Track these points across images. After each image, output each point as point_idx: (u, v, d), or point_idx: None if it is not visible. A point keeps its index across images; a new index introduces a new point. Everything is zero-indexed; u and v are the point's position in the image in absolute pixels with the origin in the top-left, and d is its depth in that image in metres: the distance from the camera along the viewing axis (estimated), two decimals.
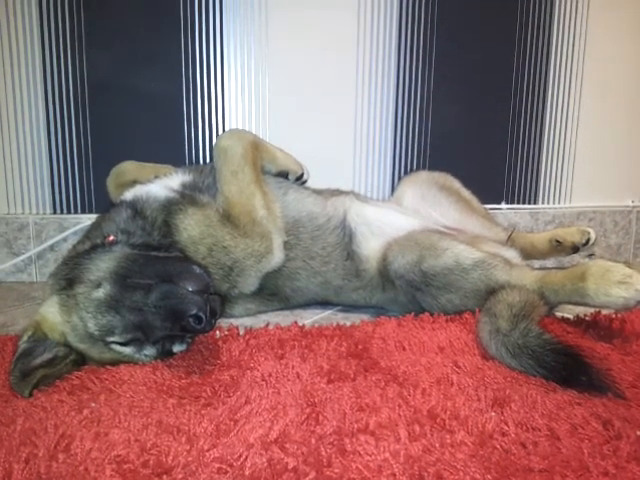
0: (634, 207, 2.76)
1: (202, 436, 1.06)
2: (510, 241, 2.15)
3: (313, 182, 2.10)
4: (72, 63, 2.29)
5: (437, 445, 1.02)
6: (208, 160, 2.41)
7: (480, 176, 2.52)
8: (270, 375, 1.33)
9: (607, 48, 2.60)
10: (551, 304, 1.65)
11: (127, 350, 1.40)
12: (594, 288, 1.49)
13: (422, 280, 1.73)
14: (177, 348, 1.46)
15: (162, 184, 1.84)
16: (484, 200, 2.38)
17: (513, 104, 2.58)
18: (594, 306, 1.60)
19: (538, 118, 2.61)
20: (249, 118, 2.44)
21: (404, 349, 1.50)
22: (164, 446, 1.02)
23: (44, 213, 2.41)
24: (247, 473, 0.95)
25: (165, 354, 1.43)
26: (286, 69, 2.41)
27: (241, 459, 0.98)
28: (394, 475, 0.95)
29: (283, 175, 2.03)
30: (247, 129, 2.42)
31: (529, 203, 2.69)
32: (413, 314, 1.74)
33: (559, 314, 1.76)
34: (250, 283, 1.82)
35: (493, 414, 1.13)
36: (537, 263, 2.31)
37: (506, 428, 1.08)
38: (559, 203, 2.71)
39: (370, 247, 1.93)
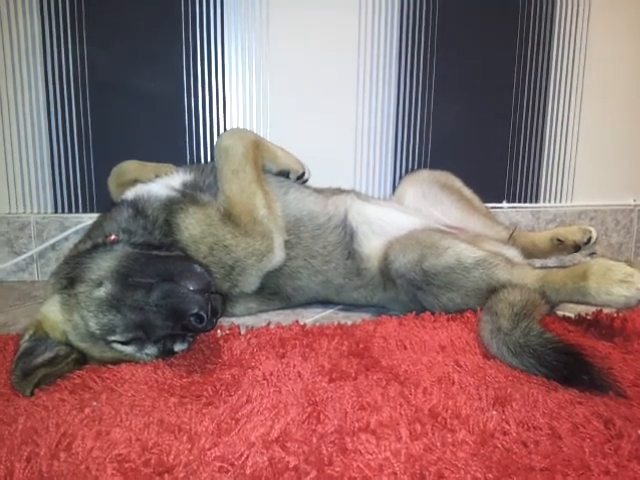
0: (635, 206, 2.76)
1: (203, 435, 1.06)
2: (511, 240, 2.15)
3: (314, 181, 2.10)
4: (73, 63, 2.29)
5: (438, 444, 1.02)
6: (209, 159, 2.41)
7: (481, 175, 2.52)
8: (271, 374, 1.33)
9: (607, 50, 2.60)
10: (552, 303, 1.65)
11: (128, 349, 1.40)
12: (595, 287, 1.49)
13: (423, 279, 1.73)
14: (178, 347, 1.46)
15: (163, 183, 1.84)
16: (485, 199, 2.38)
17: (514, 102, 2.58)
18: (595, 305, 1.60)
19: (539, 117, 2.61)
20: (250, 117, 2.44)
21: (405, 348, 1.50)
22: (165, 445, 1.03)
23: (45, 212, 2.41)
24: (248, 472, 0.95)
25: (166, 353, 1.43)
26: (287, 69, 2.41)
27: (242, 458, 0.98)
28: (395, 474, 0.95)
29: (284, 174, 2.03)
30: (248, 128, 2.42)
31: (530, 202, 2.69)
32: (414, 313, 1.74)
33: (560, 313, 1.76)
34: (251, 282, 1.82)
35: (494, 413, 1.13)
36: (538, 262, 2.31)
37: (507, 427, 1.08)
38: (560, 202, 2.71)
39: (371, 246, 1.93)
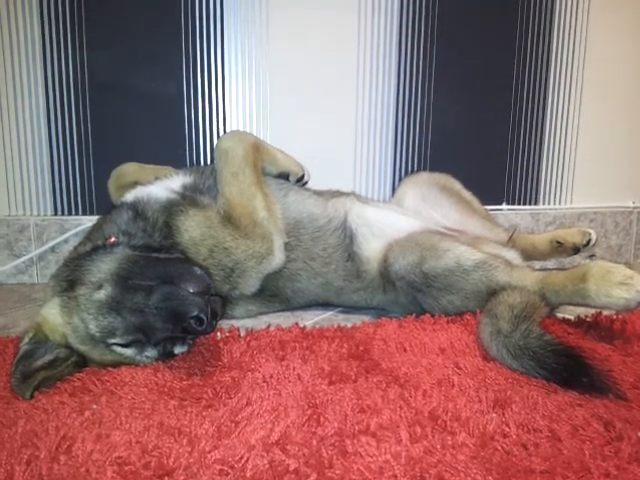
0: (635, 208, 2.76)
1: (203, 438, 1.06)
2: (511, 242, 2.15)
3: (314, 183, 2.10)
4: (73, 65, 2.29)
5: (438, 446, 1.02)
6: (209, 161, 2.41)
7: (481, 177, 2.52)
8: (271, 376, 1.33)
9: (607, 50, 2.60)
10: (552, 305, 1.65)
11: (128, 352, 1.40)
12: (595, 289, 1.49)
13: (423, 281, 1.73)
14: (178, 350, 1.46)
15: (163, 185, 1.84)
16: (485, 201, 2.38)
17: (514, 104, 2.58)
18: (595, 307, 1.60)
19: (539, 119, 2.61)
20: (250, 118, 2.44)
21: (405, 350, 1.50)
22: (165, 448, 1.03)
23: (45, 215, 2.41)
24: (248, 475, 0.95)
25: (166, 356, 1.43)
26: (287, 69, 2.41)
27: (242, 461, 0.98)
28: (395, 476, 0.95)
29: (284, 176, 2.03)
30: (248, 129, 2.42)
31: (530, 204, 2.69)
32: (414, 315, 1.74)
33: (560, 315, 1.76)
34: (251, 284, 1.82)
35: (494, 415, 1.14)
36: (538, 264, 2.31)
37: (507, 429, 1.08)
38: (560, 204, 2.71)
39: (371, 248, 1.93)
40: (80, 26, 2.27)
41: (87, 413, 1.16)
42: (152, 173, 2.06)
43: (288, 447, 1.02)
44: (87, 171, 2.39)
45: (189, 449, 1.02)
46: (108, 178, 2.13)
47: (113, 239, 1.62)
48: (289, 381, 1.31)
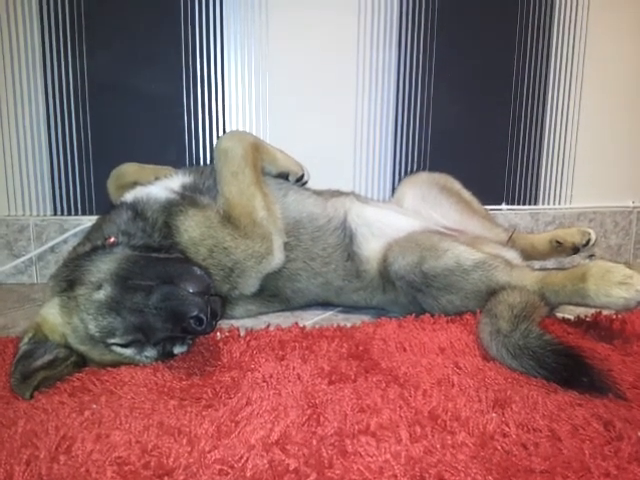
0: (634, 208, 2.76)
1: (203, 437, 1.06)
2: (510, 242, 2.15)
3: (313, 183, 2.10)
4: (72, 64, 2.29)
5: (438, 446, 1.02)
6: (208, 161, 2.41)
7: (480, 177, 2.52)
8: (271, 376, 1.33)
9: (607, 49, 2.60)
10: (552, 305, 1.65)
11: (128, 352, 1.40)
12: (595, 289, 1.49)
13: (423, 281, 1.73)
14: (178, 349, 1.46)
15: (162, 185, 1.84)
16: (484, 201, 2.38)
17: (513, 105, 2.58)
18: (595, 307, 1.60)
19: (538, 119, 2.61)
20: (249, 118, 2.44)
21: (405, 350, 1.50)
22: (165, 448, 1.02)
23: (44, 215, 2.41)
24: (248, 474, 0.95)
25: (166, 355, 1.43)
26: (286, 69, 2.41)
27: (242, 460, 0.98)
28: (395, 476, 0.95)
29: (283, 176, 2.03)
30: (247, 129, 2.42)
31: (529, 204, 2.69)
32: (414, 315, 1.74)
33: (560, 315, 1.76)
34: (251, 284, 1.82)
35: (494, 415, 1.14)
36: (537, 264, 2.31)
37: (507, 429, 1.08)
38: (559, 204, 2.71)
39: (370, 248, 1.93)
40: (80, 27, 2.27)
41: (87, 413, 1.16)
42: (152, 173, 2.06)
43: (288, 447, 1.02)
44: (87, 171, 2.39)
45: (189, 449, 1.02)
46: (107, 178, 2.13)
47: (112, 239, 1.62)
48: (289, 381, 1.31)
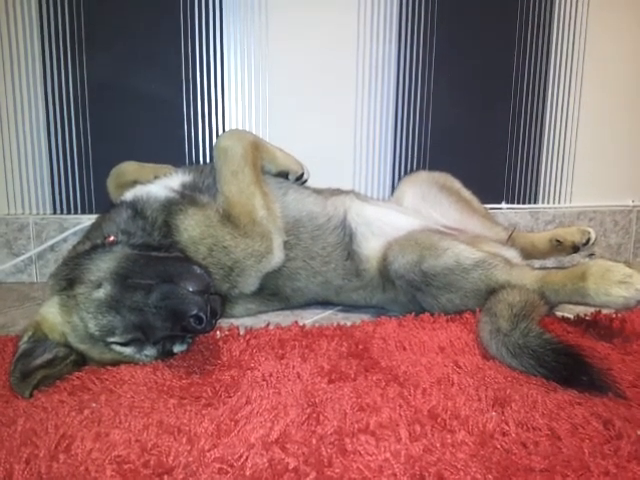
0: (634, 207, 2.76)
1: (203, 436, 1.06)
2: (510, 241, 2.15)
3: (313, 182, 2.10)
4: (72, 63, 2.29)
5: (438, 445, 1.02)
6: (208, 160, 2.41)
7: (480, 176, 2.52)
8: (271, 375, 1.33)
9: (607, 47, 2.60)
10: (551, 304, 1.65)
11: (128, 350, 1.40)
12: (594, 288, 1.49)
13: (422, 280, 1.73)
14: (177, 348, 1.46)
15: (162, 184, 1.84)
16: (484, 200, 2.38)
17: (513, 104, 2.58)
18: (594, 306, 1.60)
19: (538, 118, 2.62)
20: (249, 118, 2.44)
21: (404, 349, 1.50)
22: (165, 446, 1.02)
23: (44, 213, 2.41)
24: (248, 473, 0.95)
25: (166, 354, 1.43)
26: (286, 69, 2.41)
27: (242, 459, 0.98)
28: (395, 475, 0.95)
29: (283, 175, 2.03)
30: (247, 129, 2.42)
31: (529, 203, 2.69)
32: (413, 314, 1.74)
33: (559, 314, 1.76)
34: (250, 283, 1.82)
35: (494, 414, 1.14)
36: (537, 263, 2.31)
37: (507, 428, 1.08)
38: (559, 203, 2.72)
39: (370, 247, 1.93)
40: (79, 29, 2.27)
41: (86, 412, 1.16)
42: (151, 172, 2.06)
43: (287, 446, 1.02)
44: (86, 170, 2.39)
45: (188, 448, 1.02)
46: (107, 177, 2.13)
47: (112, 238, 1.62)
48: (288, 380, 1.31)
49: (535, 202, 2.70)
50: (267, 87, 2.42)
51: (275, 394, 1.24)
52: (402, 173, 2.56)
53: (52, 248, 2.39)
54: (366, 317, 1.85)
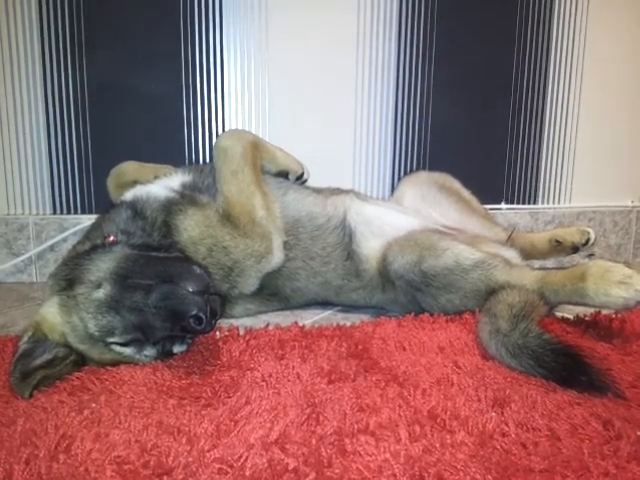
0: (634, 207, 2.76)
1: (202, 437, 1.06)
2: (510, 241, 2.15)
3: (313, 182, 2.10)
4: (72, 64, 2.29)
5: (437, 445, 1.03)
6: (208, 160, 2.41)
7: (480, 176, 2.52)
8: (270, 376, 1.33)
9: (607, 46, 2.60)
10: (551, 304, 1.65)
11: (127, 351, 1.40)
12: (594, 288, 1.49)
13: (422, 280, 1.73)
14: (177, 349, 1.46)
15: (162, 184, 1.84)
16: (484, 200, 2.38)
17: (513, 104, 2.58)
18: (594, 306, 1.60)
19: (538, 118, 2.62)
20: (249, 118, 2.44)
21: (404, 349, 1.50)
22: (164, 447, 1.02)
23: (44, 213, 2.41)
24: (247, 474, 0.95)
25: (165, 355, 1.43)
26: (286, 69, 2.41)
27: (241, 460, 0.98)
28: (394, 475, 0.95)
29: (283, 175, 2.03)
30: (247, 129, 2.42)
31: (529, 203, 2.69)
32: (413, 314, 1.74)
33: (559, 314, 1.76)
34: (250, 283, 1.82)
35: (493, 414, 1.14)
36: (537, 263, 2.31)
37: (506, 428, 1.08)
38: (559, 203, 2.72)
39: (370, 247, 1.93)
40: (79, 28, 2.27)
41: (86, 412, 1.16)
42: (151, 172, 2.06)
43: (287, 446, 1.02)
44: (86, 170, 2.39)
45: (188, 448, 1.02)
46: (107, 177, 2.13)
47: (112, 238, 1.62)
48: (288, 380, 1.31)
49: (535, 202, 2.70)
50: (267, 87, 2.42)
51: (275, 394, 1.24)
52: (402, 173, 2.56)
53: (52, 248, 2.39)
54: (366, 317, 1.85)
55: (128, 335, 1.37)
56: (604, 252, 2.75)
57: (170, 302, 1.30)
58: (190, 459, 0.99)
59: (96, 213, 2.21)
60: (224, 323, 1.70)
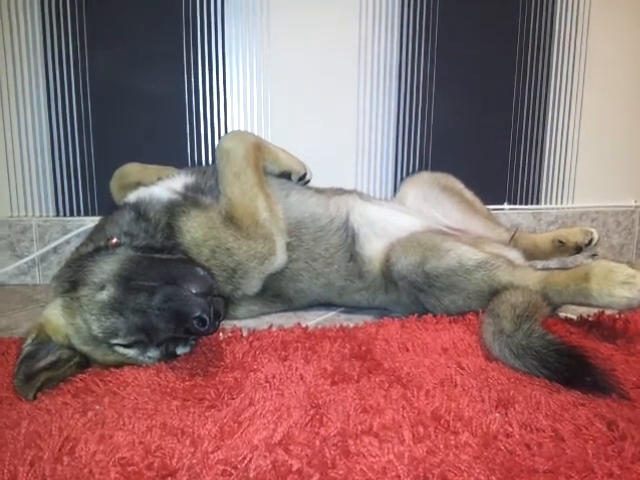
0: (637, 207, 2.76)
1: (206, 438, 1.06)
2: (513, 242, 2.15)
3: (315, 182, 2.10)
4: (74, 65, 2.30)
5: (441, 446, 1.02)
6: (210, 161, 2.41)
7: (482, 176, 2.52)
8: (274, 377, 1.33)
9: (609, 46, 2.59)
10: (554, 305, 1.65)
11: (131, 352, 1.40)
12: (597, 289, 1.49)
13: (425, 281, 1.72)
14: (181, 350, 1.46)
15: (165, 186, 1.84)
16: (486, 201, 2.38)
17: (515, 103, 2.58)
18: (597, 306, 1.59)
19: (540, 118, 2.61)
20: (251, 119, 2.44)
21: (407, 350, 1.50)
22: (168, 448, 1.03)
23: (47, 216, 2.41)
24: (251, 475, 0.95)
25: (169, 356, 1.43)
26: (288, 69, 2.41)
27: (245, 461, 0.98)
28: (398, 477, 0.95)
29: (286, 175, 2.03)
30: (249, 130, 2.42)
31: (531, 203, 2.69)
32: (416, 315, 1.74)
33: (562, 314, 1.75)
34: (253, 285, 1.82)
35: (497, 415, 1.13)
36: (540, 264, 2.31)
37: (510, 429, 1.08)
38: (562, 203, 2.71)
39: (373, 248, 1.93)
40: (81, 29, 2.27)
41: (90, 414, 1.16)
42: (155, 173, 2.06)
43: (291, 447, 1.02)
44: (89, 172, 2.39)
45: (192, 449, 1.02)
46: (110, 179, 2.13)
47: (115, 240, 1.62)
48: (292, 381, 1.31)
49: (537, 203, 2.69)
50: (269, 87, 2.42)
51: (278, 396, 1.24)
52: (404, 173, 2.56)
53: (55, 250, 2.39)
54: (369, 318, 1.85)
55: (132, 337, 1.38)
56: (607, 252, 2.74)
57: (173, 304, 1.31)
58: (194, 460, 0.99)
59: (99, 215, 2.21)
60: (227, 324, 1.70)
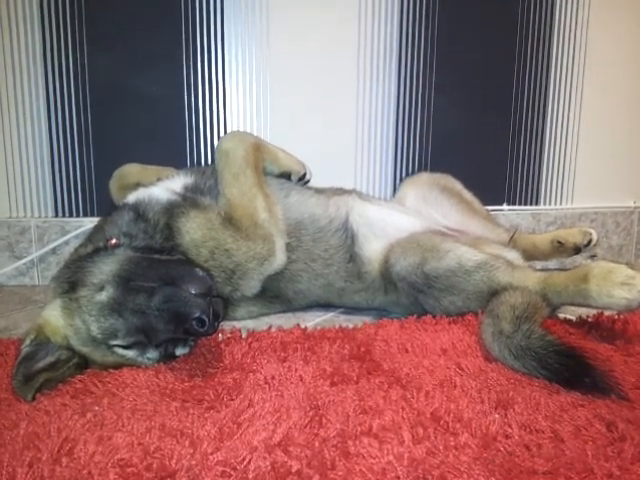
0: (636, 208, 2.76)
1: (205, 439, 1.06)
2: (512, 242, 2.15)
3: (315, 183, 2.10)
4: (74, 66, 2.30)
5: (441, 448, 1.02)
6: (210, 162, 2.41)
7: (481, 177, 2.52)
8: (273, 378, 1.33)
9: (608, 47, 2.60)
10: (554, 305, 1.65)
11: (130, 353, 1.40)
12: (597, 289, 1.49)
13: (424, 282, 1.72)
14: (180, 351, 1.46)
15: (164, 187, 1.84)
16: (485, 201, 2.38)
17: (514, 104, 2.58)
18: (597, 307, 1.60)
19: (540, 118, 2.61)
20: (251, 119, 2.44)
21: (407, 351, 1.50)
22: (167, 450, 1.02)
23: (46, 216, 2.41)
24: (251, 476, 0.95)
25: (168, 357, 1.43)
26: (287, 70, 2.41)
27: (244, 462, 0.98)
28: (398, 478, 0.95)
29: (285, 176, 2.03)
30: (249, 130, 2.42)
31: (531, 204, 2.69)
32: (416, 316, 1.74)
33: (562, 315, 1.76)
34: (252, 286, 1.82)
35: (496, 416, 1.13)
36: (539, 264, 2.31)
37: (510, 430, 1.08)
38: (561, 204, 2.71)
39: (372, 249, 1.93)
40: (81, 29, 2.27)
41: (89, 415, 1.16)
42: (154, 174, 2.06)
43: (290, 448, 1.02)
44: (88, 172, 2.39)
45: (191, 451, 1.02)
46: (109, 179, 2.13)
47: (114, 241, 1.62)
48: (291, 382, 1.31)
49: (537, 203, 2.69)
50: (268, 88, 2.42)
51: (277, 397, 1.24)
52: (403, 174, 2.56)
53: (54, 251, 2.39)
54: (368, 319, 1.85)
55: (131, 338, 1.37)
56: (606, 253, 2.74)
57: (173, 305, 1.31)
58: (193, 462, 0.99)
59: (98, 216, 2.21)
60: (226, 325, 1.70)
